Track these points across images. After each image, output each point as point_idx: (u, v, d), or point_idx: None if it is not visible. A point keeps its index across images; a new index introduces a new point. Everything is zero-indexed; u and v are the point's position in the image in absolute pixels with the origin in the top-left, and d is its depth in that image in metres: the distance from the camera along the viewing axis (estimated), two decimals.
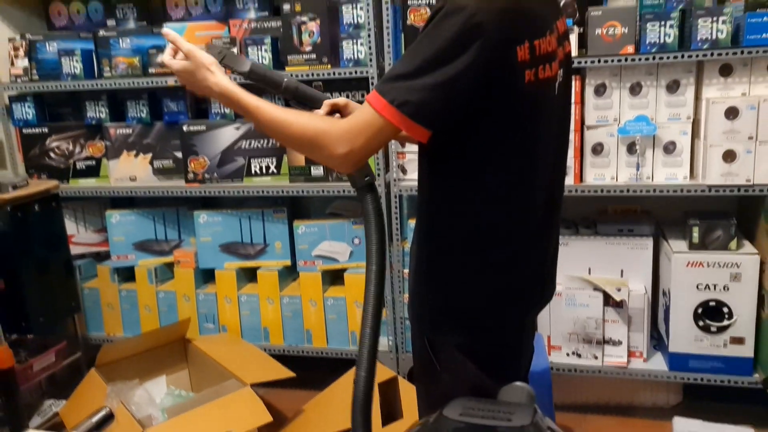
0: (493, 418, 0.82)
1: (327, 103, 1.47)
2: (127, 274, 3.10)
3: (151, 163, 2.96)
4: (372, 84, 2.55)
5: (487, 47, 1.08)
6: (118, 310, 3.08)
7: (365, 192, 1.41)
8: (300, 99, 1.50)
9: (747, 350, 2.40)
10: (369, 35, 2.53)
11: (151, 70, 2.82)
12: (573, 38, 2.36)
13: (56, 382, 2.84)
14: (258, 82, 1.49)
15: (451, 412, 0.81)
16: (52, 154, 3.03)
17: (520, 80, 1.12)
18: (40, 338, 2.69)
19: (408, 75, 1.11)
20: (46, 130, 3.02)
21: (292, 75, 2.58)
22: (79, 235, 3.14)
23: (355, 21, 2.59)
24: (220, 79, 1.34)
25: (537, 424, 0.79)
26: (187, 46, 1.37)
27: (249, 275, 2.99)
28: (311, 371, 2.66)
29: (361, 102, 2.66)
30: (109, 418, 1.30)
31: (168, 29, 1.44)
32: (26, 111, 3.02)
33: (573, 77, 2.20)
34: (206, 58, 1.36)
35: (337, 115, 1.47)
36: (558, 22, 1.25)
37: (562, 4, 2.42)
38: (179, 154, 2.91)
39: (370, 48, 2.53)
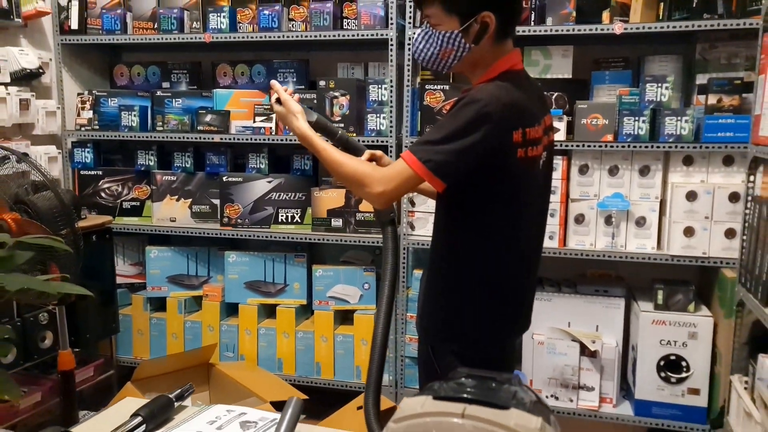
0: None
1: (367, 153, 1.85)
2: (158, 304, 3.47)
3: (190, 207, 3.37)
4: (390, 151, 2.99)
5: (492, 129, 1.51)
6: (148, 336, 3.44)
7: (387, 225, 1.79)
8: (348, 148, 1.91)
9: (702, 400, 2.76)
10: (391, 111, 3.00)
11: (199, 128, 3.26)
12: (562, 125, 2.83)
13: (85, 396, 3.15)
14: (320, 131, 1.91)
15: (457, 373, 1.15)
16: (103, 194, 3.44)
17: (514, 155, 1.54)
18: (84, 353, 3.03)
19: (434, 142, 1.54)
20: (100, 173, 3.45)
21: None
22: (118, 267, 3.51)
23: (380, 98, 3.06)
24: (301, 124, 1.75)
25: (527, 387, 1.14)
26: (284, 96, 1.79)
27: (269, 311, 3.36)
28: (315, 402, 2.96)
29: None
30: (190, 391, 1.62)
31: (275, 81, 1.87)
32: (85, 155, 3.45)
33: (556, 158, 2.67)
34: (295, 108, 1.78)
35: (374, 163, 1.88)
36: (545, 118, 1.69)
37: (554, 97, 2.90)
38: (216, 201, 3.32)
39: (390, 122, 3.00)
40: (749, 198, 2.39)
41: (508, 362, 1.78)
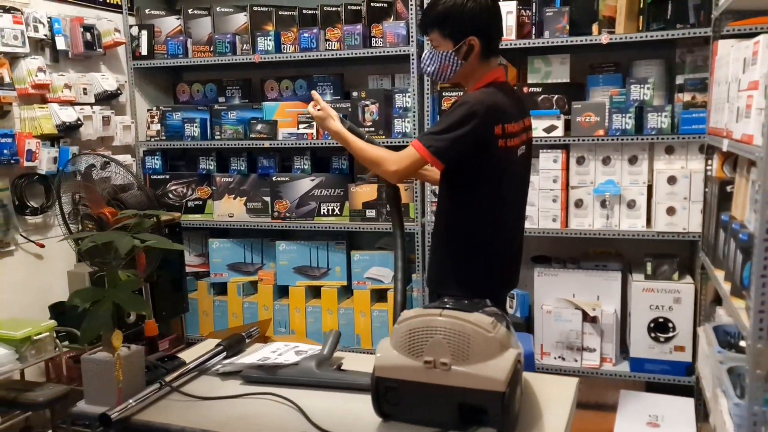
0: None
1: None
2: (220, 288, 4.04)
3: (245, 204, 3.93)
4: None
5: (478, 124, 2.00)
6: (212, 316, 4.01)
7: (393, 204, 2.31)
8: None
9: (686, 356, 3.19)
10: (414, 116, 3.51)
11: (251, 135, 3.82)
12: (560, 123, 3.29)
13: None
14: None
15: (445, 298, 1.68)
16: (170, 195, 4.03)
17: (496, 144, 2.03)
18: (160, 328, 3.60)
19: (435, 133, 2.04)
20: (167, 176, 4.04)
21: None
22: (185, 258, 4.08)
23: (405, 105, 3.57)
24: (337, 124, 2.24)
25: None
26: (323, 104, 2.31)
27: (314, 292, 3.90)
28: None
29: None
30: (257, 330, 2.16)
31: (315, 92, 2.37)
32: (155, 162, 4.05)
33: (556, 151, 3.13)
34: (333, 112, 2.28)
35: None
36: (525, 120, 2.18)
37: (554, 99, 3.36)
38: (267, 198, 3.87)
39: (414, 125, 3.51)
40: (707, 179, 2.82)
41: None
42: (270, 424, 1.60)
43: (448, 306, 1.53)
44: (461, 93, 3.46)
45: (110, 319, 1.66)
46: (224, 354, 1.99)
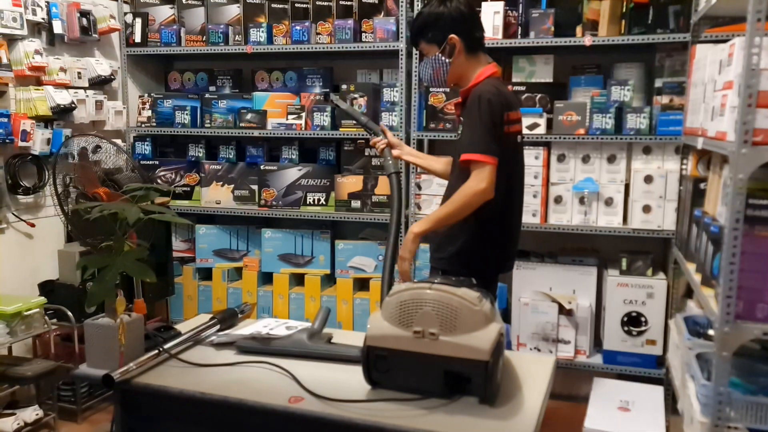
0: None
1: (388, 131, 2.56)
2: (205, 273, 4.10)
3: (233, 191, 3.99)
4: None
5: (495, 111, 2.12)
6: (196, 300, 4.07)
7: (393, 174, 2.45)
8: (367, 129, 2.56)
9: (657, 349, 3.32)
10: (401, 110, 3.60)
11: (241, 124, 3.89)
12: (543, 121, 3.40)
13: None
14: (348, 113, 2.54)
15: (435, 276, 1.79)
16: (159, 181, 4.08)
17: (503, 129, 2.16)
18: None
19: (481, 137, 2.11)
20: (157, 162, 4.09)
21: (344, 134, 3.67)
22: (172, 244, 4.14)
23: (392, 99, 3.66)
24: (415, 230, 2.19)
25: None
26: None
27: (298, 279, 3.98)
28: None
29: None
30: (249, 307, 2.23)
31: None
32: (144, 148, 4.10)
33: (537, 148, 3.25)
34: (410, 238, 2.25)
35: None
36: (518, 112, 2.30)
37: (537, 98, 3.48)
38: (254, 186, 3.94)
39: (401, 119, 3.60)
40: (682, 177, 2.95)
41: (491, 287, 2.36)
42: (264, 389, 1.68)
43: (436, 281, 1.63)
44: (447, 90, 3.56)
45: (115, 285, 1.73)
46: (218, 326, 2.07)
